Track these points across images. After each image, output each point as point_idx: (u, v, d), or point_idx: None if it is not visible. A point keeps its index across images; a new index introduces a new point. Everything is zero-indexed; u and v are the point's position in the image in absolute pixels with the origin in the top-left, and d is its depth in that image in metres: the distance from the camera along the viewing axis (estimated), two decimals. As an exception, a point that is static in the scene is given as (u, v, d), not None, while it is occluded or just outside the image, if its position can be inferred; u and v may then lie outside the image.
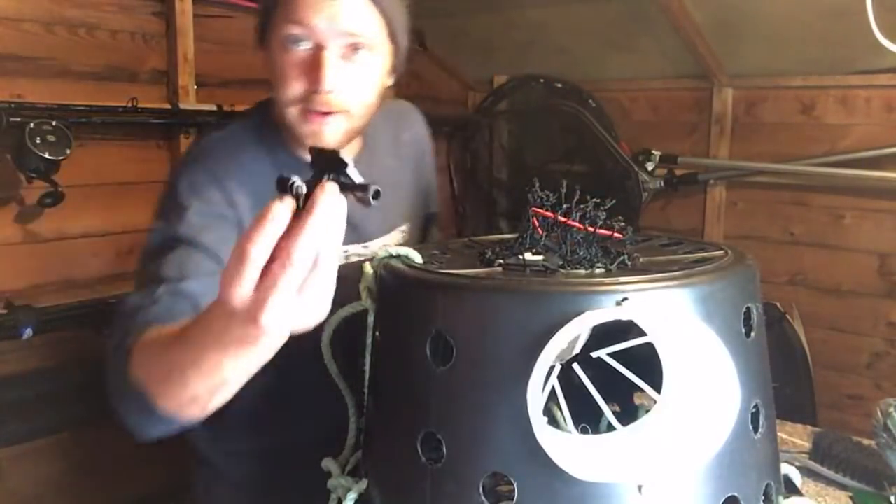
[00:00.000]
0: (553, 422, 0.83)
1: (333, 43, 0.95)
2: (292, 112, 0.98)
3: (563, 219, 0.88)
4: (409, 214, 1.21)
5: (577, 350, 0.80)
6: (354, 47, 0.96)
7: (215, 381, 0.69)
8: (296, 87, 0.96)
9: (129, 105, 1.84)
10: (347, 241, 1.02)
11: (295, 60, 0.95)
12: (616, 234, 0.89)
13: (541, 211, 0.90)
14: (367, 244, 1.12)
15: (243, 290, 0.57)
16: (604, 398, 0.75)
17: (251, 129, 1.07)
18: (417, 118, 1.29)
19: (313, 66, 0.94)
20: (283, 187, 0.59)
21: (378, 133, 1.15)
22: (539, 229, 0.90)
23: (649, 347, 0.69)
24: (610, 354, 0.75)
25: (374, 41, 0.98)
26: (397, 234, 1.17)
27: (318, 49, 0.95)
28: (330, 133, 0.99)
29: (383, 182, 0.93)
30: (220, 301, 0.60)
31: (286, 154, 1.05)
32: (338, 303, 0.65)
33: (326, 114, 0.97)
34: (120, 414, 0.86)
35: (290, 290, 0.56)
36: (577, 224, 0.87)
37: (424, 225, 1.28)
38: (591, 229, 0.87)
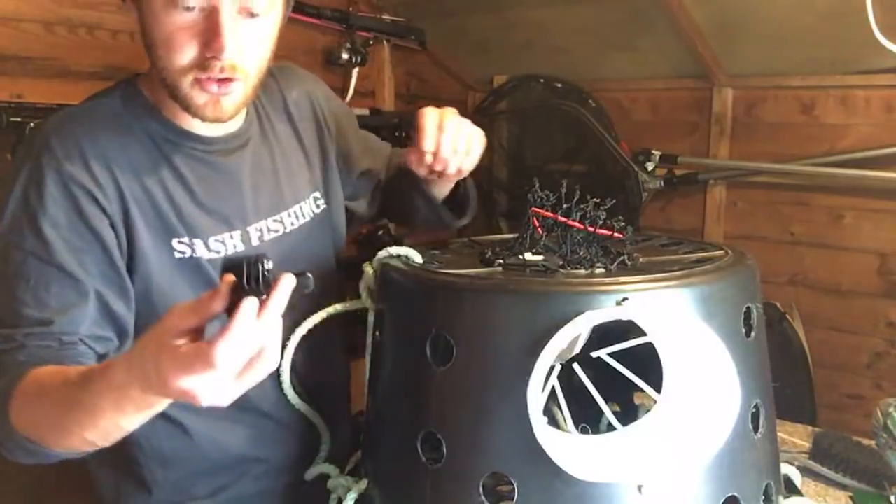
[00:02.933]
0: (553, 422, 0.83)
1: (228, 6, 0.84)
2: (184, 82, 0.88)
3: (563, 219, 0.88)
4: (319, 180, 1.10)
5: (577, 350, 0.80)
6: (250, 8, 0.86)
7: (112, 432, 0.72)
8: (188, 54, 0.86)
9: (129, 105, 1.84)
10: (260, 218, 0.99)
11: (185, 23, 0.84)
12: (616, 234, 0.89)
13: (541, 211, 0.90)
14: (278, 216, 1.02)
15: (189, 382, 0.60)
16: (604, 398, 0.75)
17: (111, 104, 0.96)
18: (302, 75, 1.15)
19: (208, 30, 0.84)
20: (238, 289, 0.61)
21: (264, 98, 1.06)
22: (539, 229, 0.90)
23: (649, 347, 0.70)
24: (610, 354, 0.75)
25: (275, 6, 0.90)
26: (310, 203, 1.08)
27: (213, 10, 0.84)
28: (228, 102, 0.89)
29: (280, 149, 1.02)
30: (143, 376, 0.64)
31: (158, 123, 0.94)
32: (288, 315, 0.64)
33: (225, 80, 0.87)
34: None
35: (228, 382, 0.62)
36: (577, 224, 0.87)
37: (360, 184, 1.18)
38: (591, 229, 0.87)
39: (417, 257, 0.88)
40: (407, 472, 0.79)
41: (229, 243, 0.95)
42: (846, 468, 1.14)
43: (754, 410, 0.78)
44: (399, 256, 0.88)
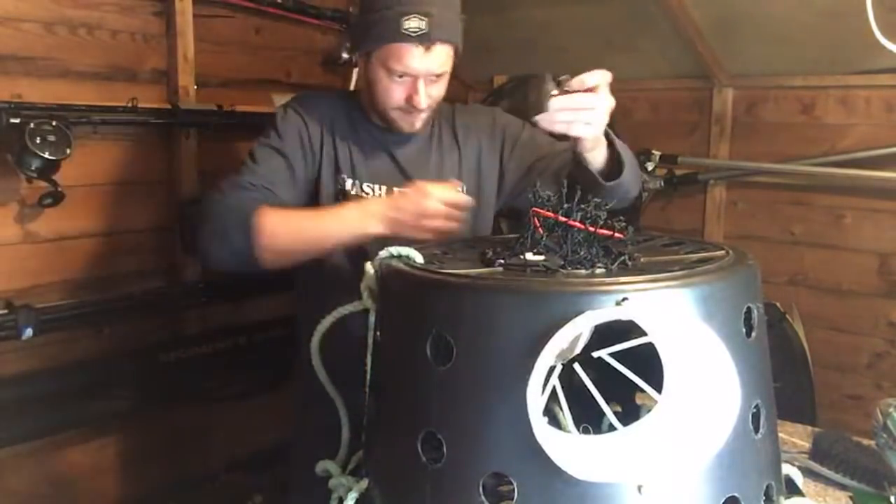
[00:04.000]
0: (555, 422, 0.83)
1: (425, 77, 1.33)
2: (395, 112, 1.38)
3: (563, 219, 0.88)
4: (469, 180, 1.49)
5: (578, 350, 0.80)
6: (438, 76, 1.35)
7: (312, 245, 1.28)
8: (397, 100, 1.36)
9: (129, 105, 1.84)
10: (402, 186, 1.36)
11: (398, 84, 1.34)
12: (617, 235, 0.89)
13: (542, 211, 0.90)
14: None
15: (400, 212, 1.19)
16: (606, 398, 0.75)
17: (338, 96, 1.53)
18: (474, 109, 1.64)
19: (411, 90, 1.34)
20: None
21: (441, 120, 1.52)
22: (540, 229, 0.90)
23: (650, 347, 0.69)
24: (611, 354, 0.75)
25: (449, 68, 1.36)
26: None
27: (415, 80, 1.33)
28: (419, 122, 1.40)
29: (439, 153, 1.50)
30: (376, 203, 1.29)
31: (361, 116, 1.46)
32: None
33: (418, 113, 1.38)
34: (201, 238, 1.31)
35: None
36: (578, 224, 0.87)
37: (506, 188, 1.52)
38: (591, 229, 0.87)
39: (418, 257, 0.88)
40: (407, 472, 0.79)
41: (375, 191, 1.41)
42: (846, 468, 1.14)
43: (755, 411, 0.78)
44: (400, 256, 0.88)
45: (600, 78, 1.13)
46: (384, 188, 1.42)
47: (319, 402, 1.09)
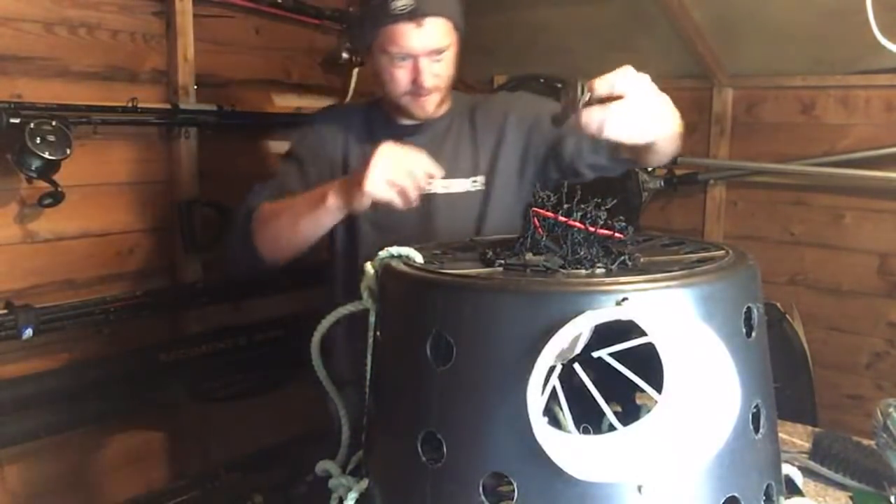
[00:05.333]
0: (555, 422, 0.83)
1: (424, 56, 1.36)
2: (404, 98, 1.42)
3: (563, 219, 0.88)
4: (484, 169, 1.49)
5: (578, 350, 0.80)
6: (438, 52, 1.37)
7: (308, 231, 1.29)
8: (403, 85, 1.39)
9: (129, 105, 1.84)
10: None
11: (400, 68, 1.37)
12: (616, 235, 0.89)
13: (541, 211, 0.90)
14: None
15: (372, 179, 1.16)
16: (606, 398, 0.75)
17: (360, 106, 1.59)
18: (497, 99, 1.72)
19: (414, 72, 1.37)
20: None
21: (455, 111, 1.53)
22: (540, 229, 0.90)
23: (651, 347, 0.69)
24: (611, 354, 0.75)
25: (448, 43, 1.38)
26: (466, 182, 1.48)
27: (415, 60, 1.36)
28: (430, 105, 1.43)
29: (454, 142, 1.51)
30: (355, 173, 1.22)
31: (380, 119, 1.51)
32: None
33: (426, 94, 1.40)
34: (231, 255, 1.48)
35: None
36: (577, 224, 0.87)
37: (526, 171, 1.50)
38: (591, 229, 0.87)
39: (418, 257, 0.88)
40: (407, 472, 0.79)
41: None
42: (846, 468, 1.14)
43: (755, 411, 0.78)
44: (400, 256, 0.88)
45: (631, 79, 1.04)
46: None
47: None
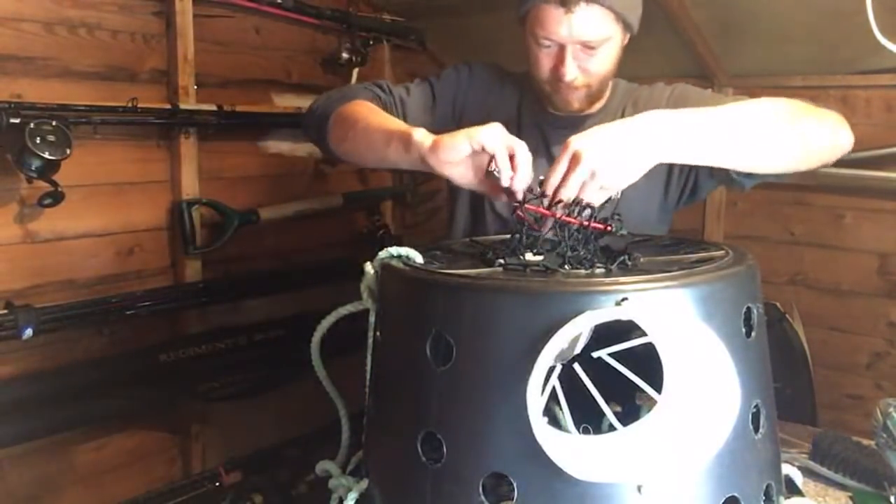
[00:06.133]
0: (554, 422, 0.83)
1: (571, 46, 1.21)
2: (546, 86, 1.29)
3: (546, 212, 0.88)
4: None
5: (578, 350, 0.80)
6: (588, 45, 1.21)
7: (376, 159, 1.19)
8: (545, 72, 1.26)
9: (129, 105, 1.84)
10: None
11: (544, 53, 1.24)
12: (608, 227, 0.88)
13: (531, 207, 0.91)
14: None
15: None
16: (606, 398, 0.75)
17: (517, 75, 1.44)
18: (656, 94, 1.39)
19: (558, 61, 1.23)
20: None
21: (616, 100, 1.39)
22: (534, 226, 0.90)
23: (651, 347, 0.69)
24: (611, 354, 0.75)
25: (604, 36, 1.22)
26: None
27: (561, 48, 1.22)
28: (575, 101, 1.30)
29: None
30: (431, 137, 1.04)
31: (530, 93, 1.37)
32: None
33: (570, 88, 1.26)
34: (305, 127, 1.44)
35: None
36: (569, 219, 0.87)
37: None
38: (585, 224, 0.87)
39: (418, 257, 0.88)
40: (407, 472, 0.79)
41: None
42: (846, 468, 1.14)
43: (755, 411, 0.78)
44: (399, 256, 0.88)
45: (557, 174, 0.94)
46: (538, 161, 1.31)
47: None
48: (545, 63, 1.25)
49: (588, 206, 0.90)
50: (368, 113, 1.25)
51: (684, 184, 1.36)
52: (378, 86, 1.39)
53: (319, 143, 1.38)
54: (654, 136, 0.97)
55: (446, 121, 1.37)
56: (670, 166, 1.33)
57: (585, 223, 0.87)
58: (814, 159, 1.16)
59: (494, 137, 0.99)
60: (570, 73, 1.22)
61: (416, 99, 1.39)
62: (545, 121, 1.36)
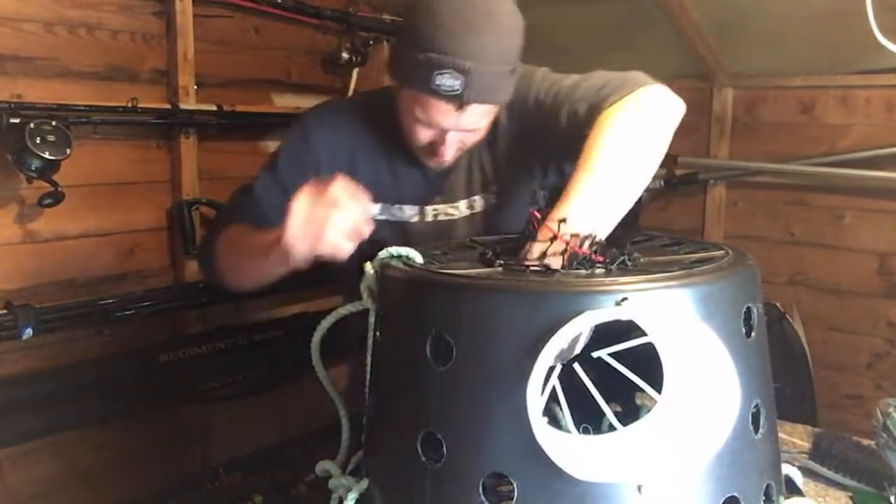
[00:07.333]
0: (554, 422, 0.83)
1: (454, 133, 1.15)
2: (419, 150, 1.21)
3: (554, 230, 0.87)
4: (503, 180, 1.30)
5: (578, 350, 0.80)
6: (474, 130, 1.17)
7: (267, 275, 1.14)
8: (422, 140, 1.18)
9: (129, 105, 1.84)
10: (436, 203, 1.27)
11: (423, 128, 1.16)
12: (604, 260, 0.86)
13: (539, 214, 0.91)
14: (455, 204, 1.29)
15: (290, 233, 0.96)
16: (606, 398, 0.75)
17: (363, 104, 1.32)
18: (519, 87, 1.28)
19: (437, 140, 1.16)
20: None
21: None
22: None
23: (651, 347, 0.69)
24: (611, 354, 0.75)
25: (489, 119, 1.18)
26: (486, 198, 1.31)
27: (443, 132, 1.15)
28: (448, 162, 1.22)
29: (477, 149, 1.27)
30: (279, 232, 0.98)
31: (392, 131, 1.23)
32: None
33: (445, 159, 1.20)
34: (202, 269, 1.34)
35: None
36: (569, 244, 0.86)
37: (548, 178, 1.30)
38: (578, 250, 0.85)
39: (418, 257, 0.88)
40: (407, 472, 0.79)
41: (408, 213, 1.27)
42: (846, 468, 1.14)
43: (755, 411, 0.78)
44: (399, 256, 0.88)
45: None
46: (416, 208, 1.28)
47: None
48: (422, 136, 1.17)
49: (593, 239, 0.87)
50: (239, 237, 1.20)
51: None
52: (234, 212, 1.28)
53: (216, 282, 1.29)
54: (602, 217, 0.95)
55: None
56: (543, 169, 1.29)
57: (579, 251, 0.86)
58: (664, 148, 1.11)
59: (338, 232, 0.96)
60: (450, 155, 1.18)
61: (271, 205, 1.22)
62: (408, 154, 1.26)
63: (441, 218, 1.28)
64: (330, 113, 1.30)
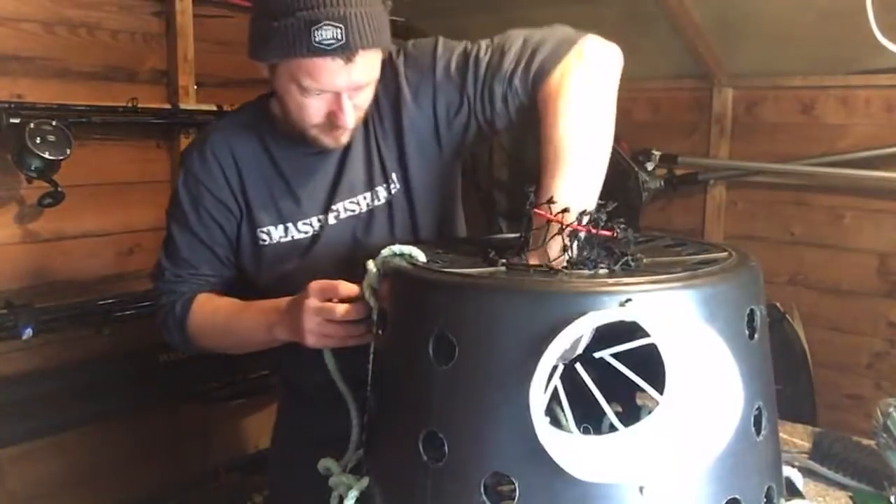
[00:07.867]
0: (556, 422, 0.83)
1: (349, 91, 1.07)
2: (314, 130, 1.12)
3: (559, 219, 0.88)
4: (395, 164, 1.22)
5: (580, 350, 0.80)
6: (364, 86, 1.09)
7: (246, 346, 1.21)
8: (316, 118, 1.09)
9: (129, 105, 1.84)
10: (340, 199, 1.20)
11: (314, 100, 1.07)
12: (607, 232, 0.87)
13: (541, 213, 0.90)
14: (355, 198, 1.21)
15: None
16: (608, 399, 0.75)
17: (246, 119, 1.25)
18: (420, 62, 1.21)
19: (333, 107, 1.08)
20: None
21: (380, 92, 1.20)
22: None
23: (653, 348, 0.69)
24: (613, 355, 0.75)
25: (378, 72, 1.10)
26: (389, 186, 1.22)
27: (337, 96, 1.06)
28: (346, 137, 1.14)
29: (374, 136, 1.21)
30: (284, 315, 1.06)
31: (275, 136, 1.20)
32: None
33: (344, 129, 1.11)
34: (166, 337, 1.28)
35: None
36: (578, 227, 0.87)
37: (439, 159, 1.23)
38: (594, 231, 0.87)
39: (421, 256, 0.88)
40: (408, 471, 0.79)
41: (314, 224, 1.20)
42: (846, 468, 1.14)
43: (757, 413, 0.78)
44: (402, 255, 0.88)
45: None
46: (320, 217, 1.20)
47: (300, 415, 1.07)
48: (316, 110, 1.09)
49: (592, 214, 0.88)
50: (214, 315, 1.21)
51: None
52: (172, 283, 1.26)
53: (193, 351, 1.31)
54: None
55: (228, 230, 1.22)
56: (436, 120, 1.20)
57: (593, 230, 0.87)
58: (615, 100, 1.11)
59: (313, 323, 1.00)
60: (350, 117, 1.08)
61: (199, 257, 1.24)
62: (304, 154, 1.20)
63: (344, 216, 1.21)
64: (210, 145, 1.22)
